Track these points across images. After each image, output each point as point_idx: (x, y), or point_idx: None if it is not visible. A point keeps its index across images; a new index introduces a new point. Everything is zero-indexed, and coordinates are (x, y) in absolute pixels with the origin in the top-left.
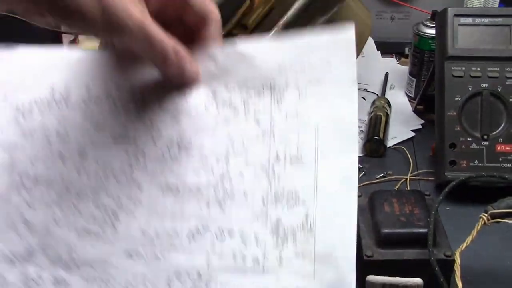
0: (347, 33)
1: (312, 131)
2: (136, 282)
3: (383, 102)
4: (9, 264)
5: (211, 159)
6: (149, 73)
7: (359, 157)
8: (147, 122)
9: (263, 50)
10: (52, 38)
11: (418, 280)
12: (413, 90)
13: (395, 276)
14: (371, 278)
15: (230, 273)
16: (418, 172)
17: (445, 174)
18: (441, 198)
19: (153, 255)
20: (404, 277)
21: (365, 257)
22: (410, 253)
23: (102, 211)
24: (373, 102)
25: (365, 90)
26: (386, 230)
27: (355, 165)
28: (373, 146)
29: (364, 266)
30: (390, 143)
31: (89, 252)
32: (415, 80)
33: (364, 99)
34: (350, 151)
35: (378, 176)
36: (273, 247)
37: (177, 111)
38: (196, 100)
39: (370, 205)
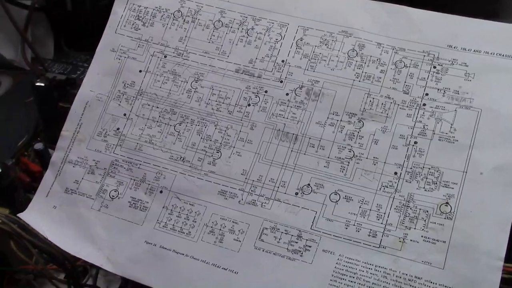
0: None
1: (473, 115)
2: (223, 224)
3: None
4: (88, 172)
5: (342, 115)
6: None
7: None
8: (278, 61)
9: (435, 20)
10: None
11: None
12: None
13: None
14: None
15: (338, 241)
16: None
17: None
18: None
19: (250, 200)
20: None
21: None
22: None
23: (205, 141)
24: None
25: None
26: None
27: None
28: None
29: None
30: None
31: (179, 181)
32: None
33: None
34: None
35: None
36: (398, 225)
37: (314, 56)
38: (338, 49)
39: None
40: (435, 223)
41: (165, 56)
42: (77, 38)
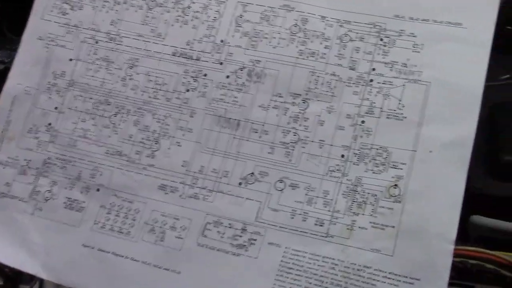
0: None
1: (421, 89)
2: (164, 221)
3: None
4: (19, 173)
5: (286, 96)
6: None
7: None
8: (217, 41)
9: None
10: None
11: None
12: None
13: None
14: (476, 218)
15: (284, 232)
16: None
17: None
18: None
19: (191, 194)
20: None
21: (472, 189)
22: None
23: (142, 132)
24: None
25: None
26: (508, 157)
27: (470, 139)
28: (502, 38)
29: (471, 200)
30: None
31: (117, 177)
32: None
33: None
34: (465, 123)
35: (503, 77)
36: (345, 212)
37: (255, 33)
38: (280, 25)
39: (491, 120)
40: (383, 207)
41: (97, 42)
42: (20, 23)
